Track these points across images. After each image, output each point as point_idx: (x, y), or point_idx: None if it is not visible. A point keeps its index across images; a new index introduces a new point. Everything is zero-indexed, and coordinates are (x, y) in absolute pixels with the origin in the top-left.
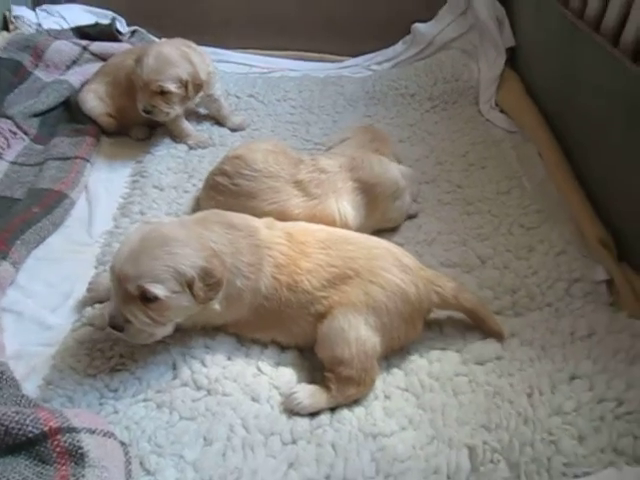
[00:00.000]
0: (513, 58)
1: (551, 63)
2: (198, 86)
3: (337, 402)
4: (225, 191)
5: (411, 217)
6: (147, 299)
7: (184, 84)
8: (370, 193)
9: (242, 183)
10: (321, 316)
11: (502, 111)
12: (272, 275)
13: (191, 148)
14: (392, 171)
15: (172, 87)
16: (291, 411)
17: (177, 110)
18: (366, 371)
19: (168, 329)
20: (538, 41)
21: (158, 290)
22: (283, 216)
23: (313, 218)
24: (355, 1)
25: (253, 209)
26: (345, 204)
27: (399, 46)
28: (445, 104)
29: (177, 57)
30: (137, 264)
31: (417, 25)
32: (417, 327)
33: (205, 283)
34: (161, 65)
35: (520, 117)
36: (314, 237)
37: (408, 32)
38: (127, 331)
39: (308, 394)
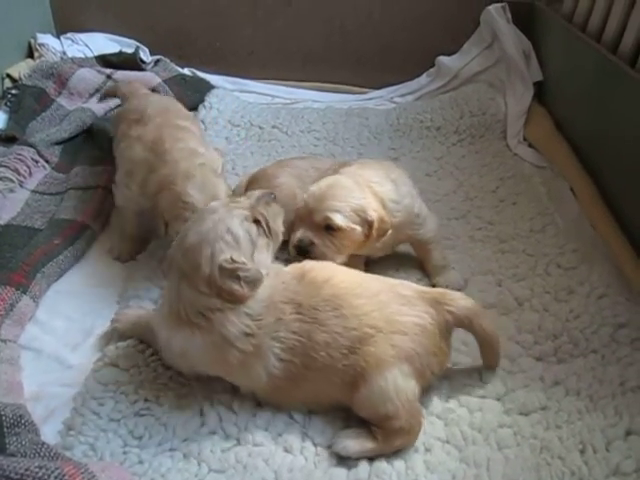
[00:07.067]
0: (540, 92)
1: (582, 97)
2: None
3: (383, 452)
4: None
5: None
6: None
7: None
8: None
9: None
10: (352, 385)
11: (530, 146)
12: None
13: None
14: None
15: None
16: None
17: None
18: (413, 416)
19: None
20: (567, 75)
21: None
22: None
23: None
24: (378, 33)
25: None
26: None
27: (423, 79)
28: (472, 138)
29: None
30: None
31: (441, 58)
32: (446, 352)
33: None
34: None
35: (550, 152)
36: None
37: (432, 65)
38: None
39: (355, 441)
